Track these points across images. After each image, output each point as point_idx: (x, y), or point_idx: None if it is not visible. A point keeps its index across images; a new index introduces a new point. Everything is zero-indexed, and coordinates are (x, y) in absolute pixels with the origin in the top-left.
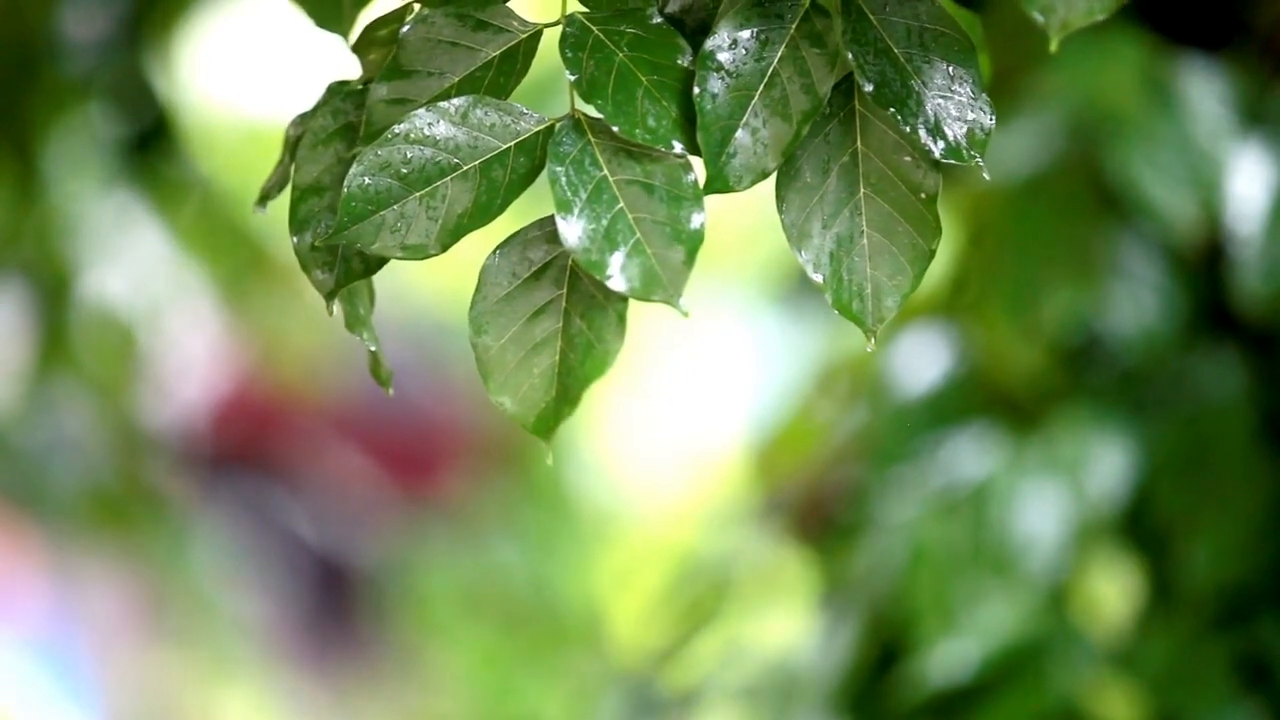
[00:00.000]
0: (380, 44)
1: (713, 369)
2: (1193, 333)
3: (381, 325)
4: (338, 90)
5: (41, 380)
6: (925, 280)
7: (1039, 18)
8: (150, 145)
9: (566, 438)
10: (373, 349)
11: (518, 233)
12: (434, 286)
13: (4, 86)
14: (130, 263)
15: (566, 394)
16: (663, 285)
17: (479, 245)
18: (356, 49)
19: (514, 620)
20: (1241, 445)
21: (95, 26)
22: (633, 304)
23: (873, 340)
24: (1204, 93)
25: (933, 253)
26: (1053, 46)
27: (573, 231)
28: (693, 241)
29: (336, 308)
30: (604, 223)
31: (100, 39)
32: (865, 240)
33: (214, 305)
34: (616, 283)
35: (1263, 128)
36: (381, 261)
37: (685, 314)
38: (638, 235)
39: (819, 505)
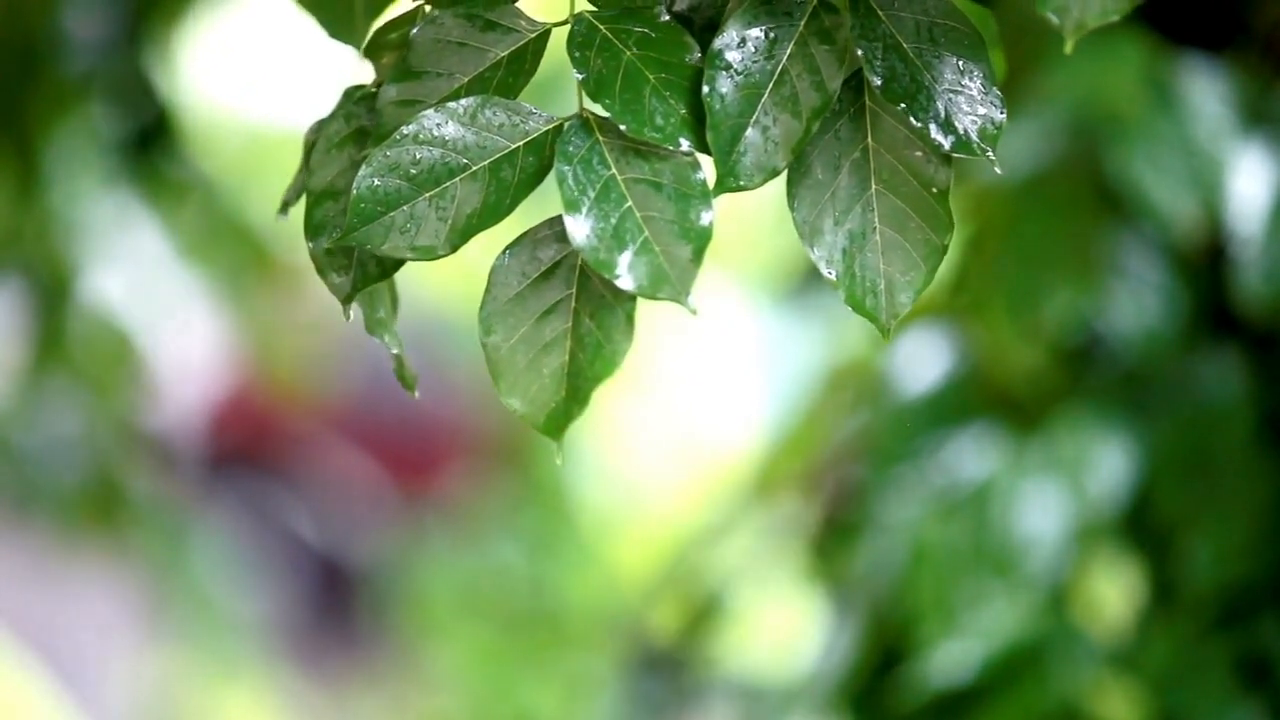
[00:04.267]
0: (391, 47)
1: (717, 367)
2: (1194, 333)
3: None
4: (351, 95)
5: (39, 380)
6: None
7: (1054, 19)
8: (151, 145)
9: (568, 437)
10: (395, 351)
11: (527, 232)
12: (435, 286)
13: (5, 85)
14: (130, 263)
15: (576, 394)
16: (671, 283)
17: (482, 245)
18: (369, 53)
19: (513, 620)
20: (1242, 446)
21: (96, 25)
22: (639, 301)
23: (887, 336)
24: (1205, 93)
25: (945, 247)
26: (1068, 48)
27: (581, 230)
28: (701, 239)
29: (354, 311)
30: (612, 221)
31: (101, 38)
32: (878, 236)
33: (213, 306)
34: (625, 281)
35: (1264, 128)
36: (398, 264)
37: (694, 311)
38: (646, 233)
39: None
